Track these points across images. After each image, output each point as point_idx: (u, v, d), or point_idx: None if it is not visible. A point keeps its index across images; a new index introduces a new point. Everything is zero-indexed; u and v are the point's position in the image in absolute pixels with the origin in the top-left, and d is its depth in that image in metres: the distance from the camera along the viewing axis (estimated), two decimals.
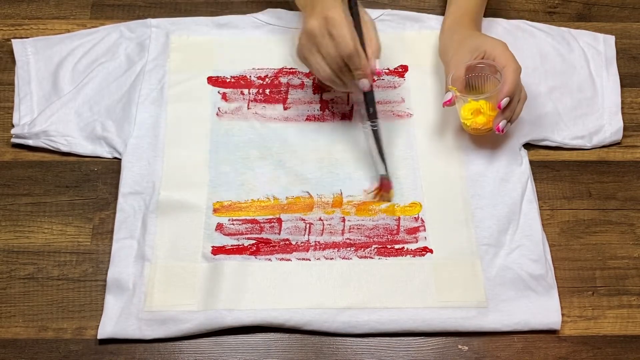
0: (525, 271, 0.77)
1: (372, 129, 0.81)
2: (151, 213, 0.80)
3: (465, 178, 0.83)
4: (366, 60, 0.77)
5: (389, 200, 0.81)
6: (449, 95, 0.80)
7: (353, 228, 0.80)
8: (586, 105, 0.89)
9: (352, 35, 0.75)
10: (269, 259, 0.78)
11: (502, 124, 0.79)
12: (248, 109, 0.88)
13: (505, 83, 0.77)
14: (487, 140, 0.85)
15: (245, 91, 0.89)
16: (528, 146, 0.86)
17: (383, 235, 0.80)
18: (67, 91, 0.88)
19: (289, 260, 0.78)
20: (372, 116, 0.81)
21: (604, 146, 0.88)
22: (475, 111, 0.80)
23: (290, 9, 0.95)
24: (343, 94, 0.89)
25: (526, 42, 0.93)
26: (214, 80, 0.90)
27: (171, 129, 0.86)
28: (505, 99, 0.77)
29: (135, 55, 0.91)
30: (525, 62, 0.90)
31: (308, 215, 0.81)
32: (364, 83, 0.78)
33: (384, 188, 0.81)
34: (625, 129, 0.88)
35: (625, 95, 0.91)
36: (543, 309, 0.76)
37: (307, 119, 0.87)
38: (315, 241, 0.79)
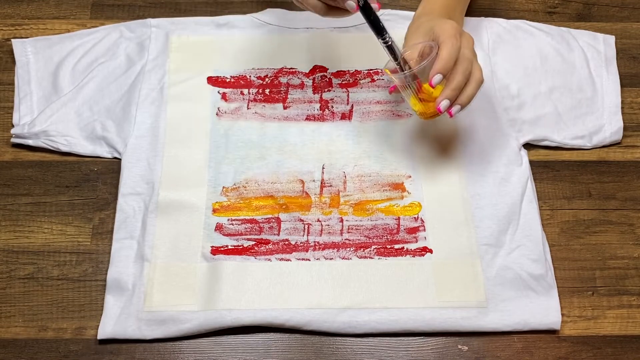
0: (525, 271, 0.77)
1: (387, 46, 0.75)
2: (151, 213, 0.80)
3: (465, 178, 0.83)
4: None
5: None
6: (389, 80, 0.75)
7: (352, 228, 0.80)
8: (586, 105, 0.89)
9: None
10: (269, 259, 0.78)
11: (443, 104, 0.73)
12: (248, 108, 0.88)
13: (437, 59, 0.73)
14: (487, 140, 0.85)
15: (245, 91, 0.89)
16: (528, 146, 0.86)
17: (383, 235, 0.79)
18: (67, 91, 0.88)
19: (288, 260, 0.78)
20: (379, 33, 0.74)
21: (604, 146, 0.88)
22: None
23: (290, 9, 0.95)
24: (343, 93, 0.89)
25: (526, 42, 0.93)
26: (214, 80, 0.90)
27: (171, 129, 0.86)
28: (436, 76, 0.72)
29: (135, 55, 0.91)
30: (525, 62, 0.90)
31: (306, 216, 0.81)
32: (350, 4, 0.72)
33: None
34: (625, 129, 0.88)
35: (625, 95, 0.91)
36: (543, 309, 0.76)
37: (306, 119, 0.87)
38: (314, 241, 0.79)
